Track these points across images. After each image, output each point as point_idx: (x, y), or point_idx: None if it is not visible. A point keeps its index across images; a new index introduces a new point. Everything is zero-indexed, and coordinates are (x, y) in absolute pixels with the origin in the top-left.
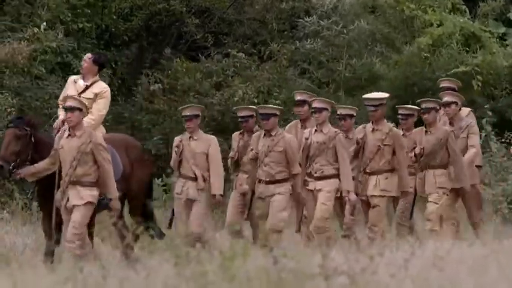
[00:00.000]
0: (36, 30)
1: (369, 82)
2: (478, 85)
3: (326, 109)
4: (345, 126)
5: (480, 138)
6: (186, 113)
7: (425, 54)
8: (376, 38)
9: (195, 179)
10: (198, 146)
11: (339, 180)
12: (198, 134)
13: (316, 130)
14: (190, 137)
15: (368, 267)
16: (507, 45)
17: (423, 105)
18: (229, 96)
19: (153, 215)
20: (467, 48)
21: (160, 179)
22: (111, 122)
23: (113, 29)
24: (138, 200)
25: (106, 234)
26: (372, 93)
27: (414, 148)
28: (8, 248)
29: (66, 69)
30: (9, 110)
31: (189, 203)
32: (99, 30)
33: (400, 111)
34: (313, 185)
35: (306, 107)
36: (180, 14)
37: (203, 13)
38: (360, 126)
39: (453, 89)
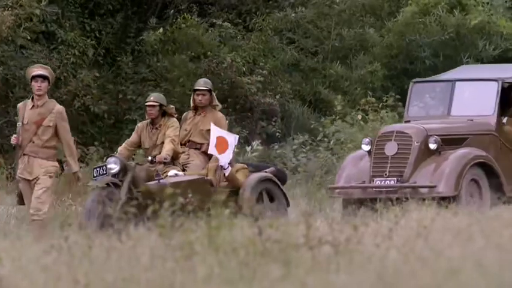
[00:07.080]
0: None
1: (359, 52)
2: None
3: None
4: None
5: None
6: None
7: (419, 20)
8: (365, 9)
9: None
10: None
11: None
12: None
13: None
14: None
15: (352, 237)
16: (492, 14)
17: None
18: (217, 63)
19: None
20: (452, 16)
21: None
22: (97, 92)
23: None
24: None
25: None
26: None
27: None
28: None
29: (51, 39)
30: None
31: None
32: None
33: None
34: None
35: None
36: None
37: None
38: None
39: (44, 77)
